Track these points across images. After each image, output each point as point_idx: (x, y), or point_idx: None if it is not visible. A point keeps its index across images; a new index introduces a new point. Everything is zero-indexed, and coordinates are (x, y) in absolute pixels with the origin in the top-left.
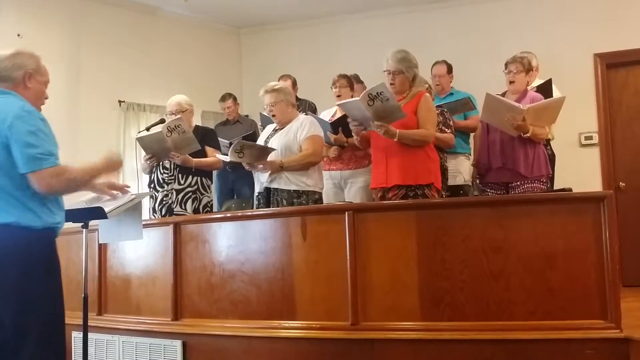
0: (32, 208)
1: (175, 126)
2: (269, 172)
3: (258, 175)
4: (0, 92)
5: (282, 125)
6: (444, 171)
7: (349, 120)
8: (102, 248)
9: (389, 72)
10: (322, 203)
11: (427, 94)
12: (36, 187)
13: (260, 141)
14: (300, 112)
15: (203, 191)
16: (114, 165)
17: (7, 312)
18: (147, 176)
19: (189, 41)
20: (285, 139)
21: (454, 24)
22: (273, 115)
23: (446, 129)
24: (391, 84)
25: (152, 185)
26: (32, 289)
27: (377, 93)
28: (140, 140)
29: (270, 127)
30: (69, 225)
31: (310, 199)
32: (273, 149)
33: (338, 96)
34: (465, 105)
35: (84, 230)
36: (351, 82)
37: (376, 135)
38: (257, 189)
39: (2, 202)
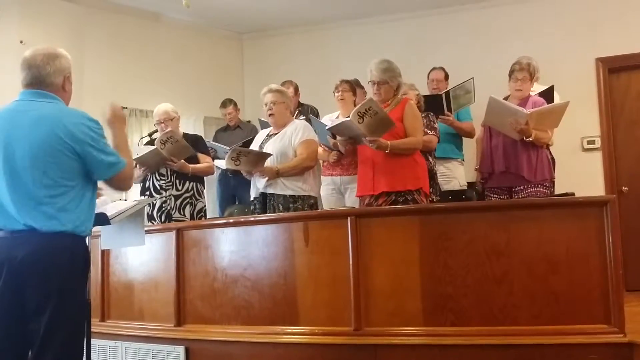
0: (82, 217)
1: (167, 138)
2: (266, 178)
3: (254, 180)
4: (50, 97)
5: (278, 128)
6: (433, 175)
7: (337, 137)
8: (105, 254)
9: (374, 82)
10: (317, 207)
11: (411, 101)
12: (118, 185)
13: (255, 147)
14: (302, 117)
15: (198, 197)
16: (120, 118)
17: (44, 313)
18: (140, 184)
19: (191, 47)
20: (280, 144)
21: (455, 29)
22: (271, 115)
23: (429, 131)
24: (376, 93)
25: (147, 193)
26: (72, 292)
27: (365, 109)
28: (137, 160)
29: (263, 133)
30: None
31: (306, 203)
32: (270, 154)
33: (341, 99)
34: (468, 94)
35: (87, 236)
36: (353, 87)
37: (362, 145)
38: (253, 194)
39: (58, 211)
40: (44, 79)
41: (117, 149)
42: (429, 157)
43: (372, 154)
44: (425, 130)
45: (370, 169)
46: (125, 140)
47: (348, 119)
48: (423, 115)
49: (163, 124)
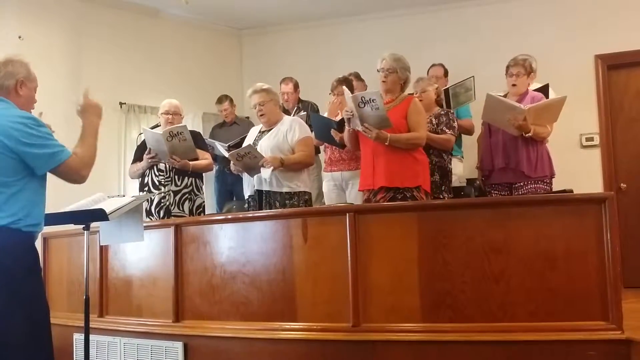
0: (20, 213)
1: (177, 132)
2: (272, 168)
3: (248, 177)
4: None
5: (270, 125)
6: (447, 173)
7: (346, 110)
8: (104, 250)
9: (383, 69)
10: (312, 203)
11: (416, 99)
12: (67, 177)
13: (248, 143)
14: (302, 113)
15: (197, 192)
16: (92, 108)
17: None
18: (138, 179)
19: (189, 43)
20: (275, 140)
21: (454, 26)
22: (261, 115)
23: (447, 130)
24: (383, 81)
25: (146, 188)
26: (18, 291)
27: (369, 99)
28: (145, 132)
29: (255, 130)
30: (70, 227)
31: (302, 199)
32: (262, 166)
33: (339, 103)
34: (468, 92)
35: (85, 232)
36: (351, 85)
37: (364, 136)
38: (248, 192)
39: None
40: None
41: (80, 139)
42: (444, 155)
43: (373, 149)
44: (444, 129)
45: (370, 164)
46: (92, 132)
47: (349, 96)
48: (443, 112)
49: (170, 116)
